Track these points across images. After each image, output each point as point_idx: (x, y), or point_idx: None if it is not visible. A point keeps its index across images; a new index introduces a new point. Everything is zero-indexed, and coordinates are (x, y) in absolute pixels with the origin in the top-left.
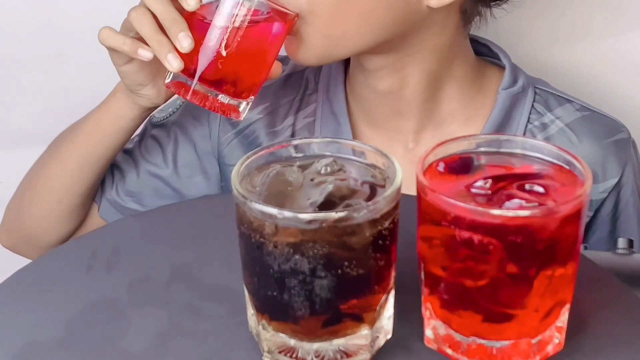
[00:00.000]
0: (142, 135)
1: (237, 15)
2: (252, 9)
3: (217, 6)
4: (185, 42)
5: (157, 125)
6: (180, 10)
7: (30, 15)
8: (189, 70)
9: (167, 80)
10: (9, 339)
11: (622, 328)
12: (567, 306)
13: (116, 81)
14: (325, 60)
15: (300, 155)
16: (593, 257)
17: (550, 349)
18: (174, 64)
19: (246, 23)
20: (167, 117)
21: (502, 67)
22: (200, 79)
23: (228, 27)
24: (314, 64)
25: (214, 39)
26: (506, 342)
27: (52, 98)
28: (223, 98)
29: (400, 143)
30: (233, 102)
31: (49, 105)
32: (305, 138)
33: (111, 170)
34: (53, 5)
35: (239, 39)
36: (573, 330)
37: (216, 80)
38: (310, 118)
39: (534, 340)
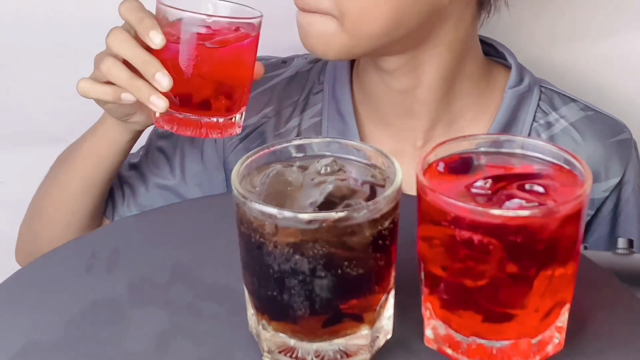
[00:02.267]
0: (148, 147)
1: (204, 34)
2: (217, 25)
3: (181, 30)
4: (164, 81)
5: (162, 137)
6: (148, 47)
7: (30, 16)
8: (175, 104)
9: (157, 115)
10: (9, 339)
11: (622, 328)
12: (567, 306)
13: None
14: (346, 57)
15: (300, 155)
16: (593, 257)
17: (550, 349)
18: (159, 105)
19: (216, 40)
20: None
21: (508, 67)
22: (189, 107)
23: (198, 50)
24: (333, 59)
25: (188, 64)
26: (506, 342)
27: (53, 98)
28: (217, 119)
29: (409, 142)
30: (228, 119)
31: (49, 106)
32: (305, 138)
33: (121, 187)
34: (54, 5)
35: (215, 57)
36: (573, 330)
37: (203, 102)
38: (317, 118)
39: (534, 340)
